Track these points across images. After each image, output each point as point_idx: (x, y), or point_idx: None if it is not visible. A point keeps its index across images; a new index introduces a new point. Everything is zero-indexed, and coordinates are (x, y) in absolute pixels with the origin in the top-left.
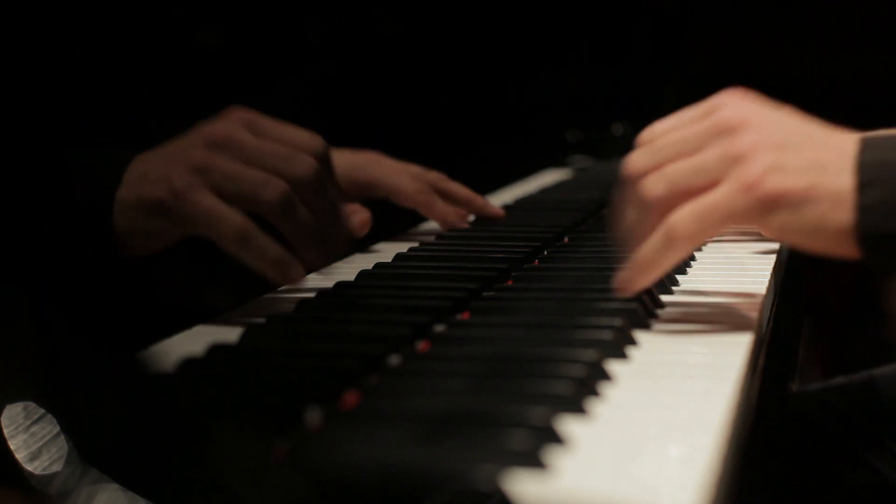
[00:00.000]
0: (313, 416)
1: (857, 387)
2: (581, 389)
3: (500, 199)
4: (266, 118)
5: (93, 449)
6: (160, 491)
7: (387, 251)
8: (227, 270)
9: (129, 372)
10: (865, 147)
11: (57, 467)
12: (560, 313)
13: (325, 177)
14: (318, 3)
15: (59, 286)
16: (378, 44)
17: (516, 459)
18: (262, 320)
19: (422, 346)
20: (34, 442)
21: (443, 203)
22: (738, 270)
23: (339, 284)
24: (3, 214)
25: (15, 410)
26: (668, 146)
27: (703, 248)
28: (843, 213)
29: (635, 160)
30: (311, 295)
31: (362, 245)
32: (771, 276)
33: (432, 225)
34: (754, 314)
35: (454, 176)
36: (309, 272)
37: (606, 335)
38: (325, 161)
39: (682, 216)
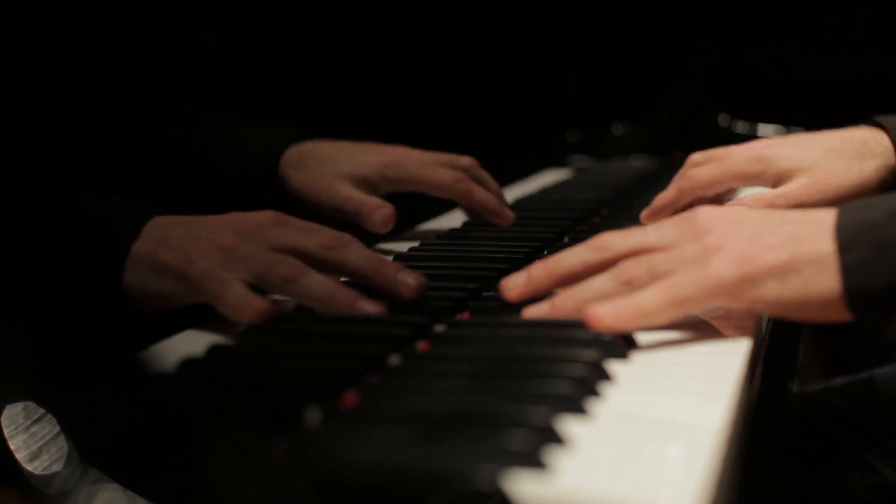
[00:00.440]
0: (313, 416)
1: (857, 387)
2: (581, 389)
3: None
4: (295, 218)
5: (93, 449)
6: (160, 491)
7: (387, 251)
8: None
9: (129, 372)
10: (843, 213)
11: (57, 467)
12: None
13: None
14: (318, 2)
15: (60, 287)
16: (378, 43)
17: (516, 459)
18: None
19: (422, 346)
20: (34, 442)
21: (480, 189)
22: None
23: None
24: (3, 214)
25: (15, 410)
26: (647, 237)
27: None
28: (828, 277)
29: (615, 238)
30: None
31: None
32: None
33: (432, 225)
34: (754, 315)
35: None
36: None
37: (607, 335)
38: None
39: (680, 279)
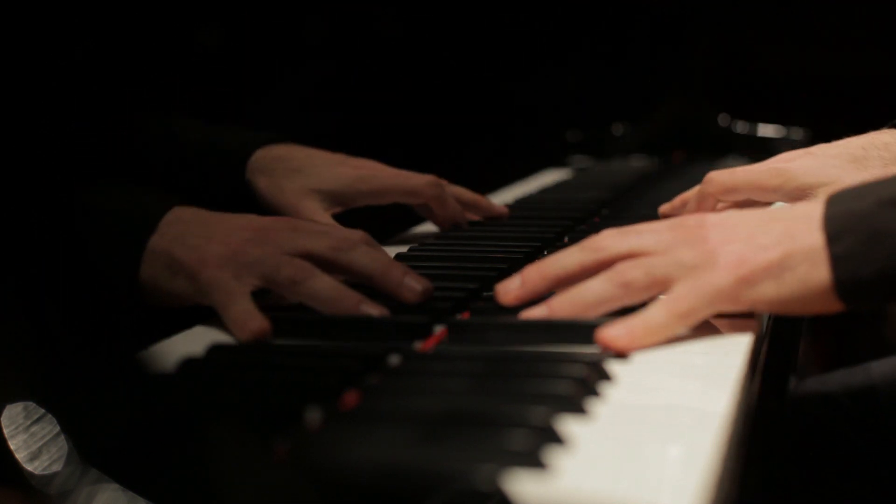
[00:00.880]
0: (313, 416)
1: (856, 384)
2: (581, 389)
3: (500, 199)
4: (308, 222)
5: (93, 449)
6: (160, 491)
7: (386, 251)
8: None
9: (129, 372)
10: (830, 203)
11: (57, 467)
12: None
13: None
14: (318, 2)
15: (60, 287)
16: (378, 43)
17: (516, 459)
18: None
19: (422, 346)
20: (34, 442)
21: (453, 200)
22: None
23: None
24: (3, 213)
25: (15, 410)
26: (642, 239)
27: None
28: (821, 270)
29: (610, 240)
30: None
31: None
32: None
33: (432, 225)
34: (754, 315)
35: (454, 176)
36: None
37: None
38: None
39: (679, 290)
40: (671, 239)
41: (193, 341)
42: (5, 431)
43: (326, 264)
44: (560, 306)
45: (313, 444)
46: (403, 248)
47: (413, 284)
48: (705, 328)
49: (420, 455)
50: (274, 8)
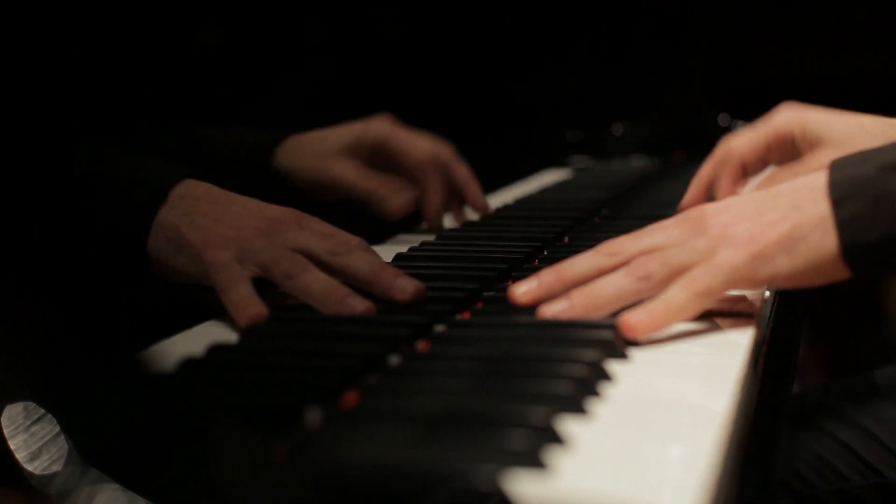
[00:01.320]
0: (313, 415)
1: (857, 387)
2: (581, 389)
3: (500, 199)
4: (315, 220)
5: (93, 449)
6: (160, 491)
7: (387, 251)
8: None
9: (130, 372)
10: (833, 169)
11: (57, 467)
12: None
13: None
14: (318, 2)
15: (60, 286)
16: (378, 43)
17: (516, 459)
18: None
19: (422, 346)
20: (34, 442)
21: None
22: None
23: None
24: (3, 212)
25: (15, 410)
26: (655, 238)
27: None
28: (829, 236)
29: (625, 244)
30: None
31: None
32: None
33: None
34: (754, 315)
35: None
36: None
37: (607, 335)
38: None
39: (696, 273)
40: (682, 232)
41: (193, 341)
42: (5, 431)
43: (324, 266)
44: (580, 301)
45: (313, 444)
46: (403, 248)
47: (404, 285)
48: (705, 329)
49: (420, 455)
50: (274, 8)
